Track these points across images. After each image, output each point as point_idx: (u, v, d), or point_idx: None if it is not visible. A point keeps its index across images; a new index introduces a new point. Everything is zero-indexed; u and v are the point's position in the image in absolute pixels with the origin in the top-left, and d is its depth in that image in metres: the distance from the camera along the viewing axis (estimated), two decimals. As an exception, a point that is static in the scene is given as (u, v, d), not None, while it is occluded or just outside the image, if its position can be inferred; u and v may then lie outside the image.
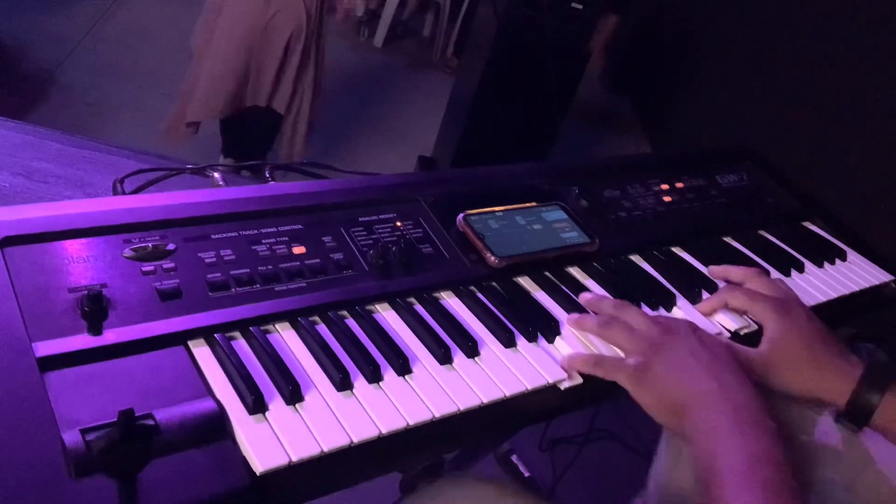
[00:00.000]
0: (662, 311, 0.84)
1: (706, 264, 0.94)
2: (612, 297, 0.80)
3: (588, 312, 0.80)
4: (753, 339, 0.82)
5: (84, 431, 0.51)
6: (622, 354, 0.74)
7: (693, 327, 0.75)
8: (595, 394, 0.74)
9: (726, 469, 0.61)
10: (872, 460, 0.78)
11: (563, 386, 0.71)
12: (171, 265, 0.68)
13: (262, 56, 2.48)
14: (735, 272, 0.90)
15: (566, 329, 0.77)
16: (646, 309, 0.83)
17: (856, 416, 0.77)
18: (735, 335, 0.84)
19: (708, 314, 0.85)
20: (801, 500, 0.59)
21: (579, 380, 0.72)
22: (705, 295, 0.88)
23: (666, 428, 0.69)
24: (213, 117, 2.61)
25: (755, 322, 0.85)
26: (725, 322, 0.84)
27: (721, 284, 0.90)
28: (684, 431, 0.67)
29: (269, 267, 0.71)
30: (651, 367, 0.70)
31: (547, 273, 0.85)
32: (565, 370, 0.72)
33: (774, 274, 0.97)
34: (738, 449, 0.61)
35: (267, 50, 2.48)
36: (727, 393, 0.66)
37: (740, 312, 0.85)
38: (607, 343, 0.76)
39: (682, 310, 0.85)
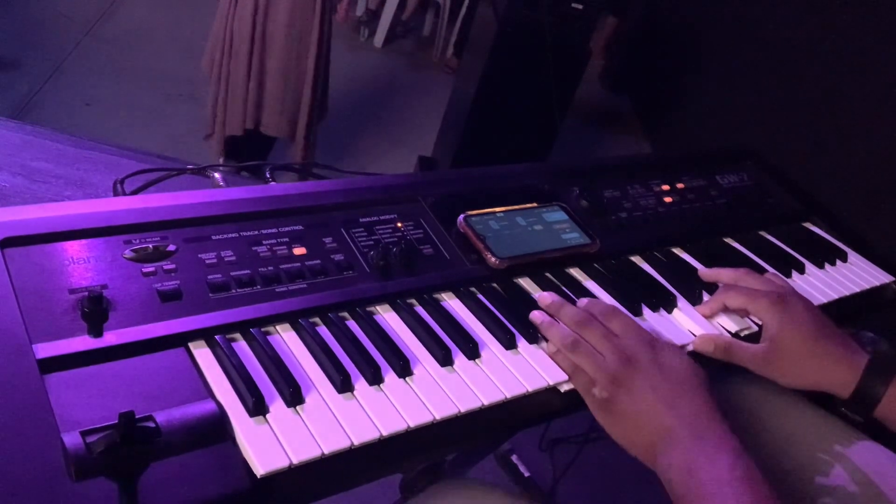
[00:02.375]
0: (663, 313, 0.84)
1: (707, 265, 0.94)
2: (573, 306, 0.76)
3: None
4: (755, 339, 0.82)
5: (84, 433, 0.50)
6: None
7: (654, 351, 0.71)
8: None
9: (705, 499, 0.60)
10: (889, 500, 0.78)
11: (564, 388, 0.71)
12: (172, 266, 0.68)
13: (267, 80, 2.53)
14: (726, 274, 0.89)
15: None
16: (646, 311, 0.83)
17: (860, 406, 0.77)
18: (736, 337, 0.84)
19: (709, 317, 0.85)
20: None
21: None
22: (706, 296, 0.88)
23: (636, 457, 0.68)
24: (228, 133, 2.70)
25: (755, 322, 0.85)
26: (726, 324, 0.84)
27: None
28: (655, 467, 0.66)
29: (270, 268, 0.71)
30: (616, 403, 0.68)
31: (548, 274, 0.85)
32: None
33: (775, 275, 0.97)
34: (715, 483, 0.61)
35: (272, 74, 2.52)
36: (691, 427, 0.65)
37: (740, 313, 0.85)
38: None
39: (682, 311, 0.85)
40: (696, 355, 0.80)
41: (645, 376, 0.69)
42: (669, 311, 0.85)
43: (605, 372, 0.69)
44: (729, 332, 0.84)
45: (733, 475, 0.61)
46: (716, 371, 0.79)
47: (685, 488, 0.62)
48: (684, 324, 0.84)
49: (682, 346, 0.79)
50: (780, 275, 0.95)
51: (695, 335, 0.82)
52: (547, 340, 0.74)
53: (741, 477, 0.61)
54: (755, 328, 0.85)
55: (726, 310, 0.85)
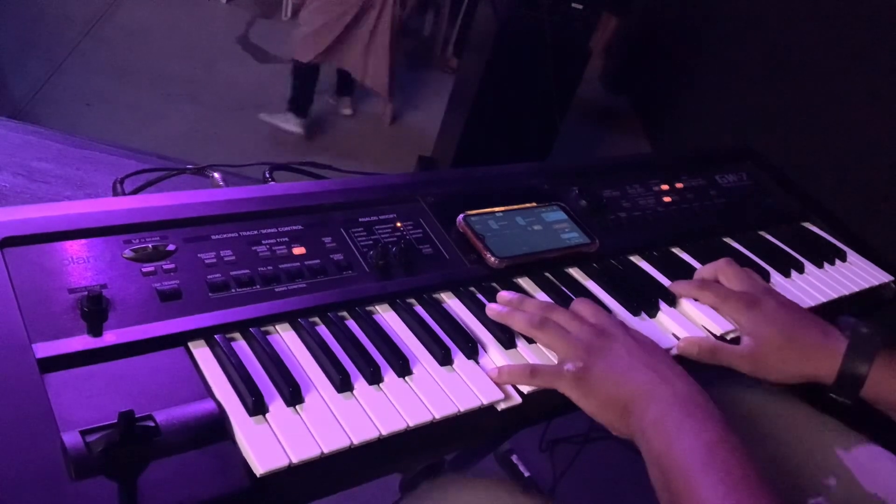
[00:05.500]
0: (662, 312, 0.84)
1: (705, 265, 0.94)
2: (535, 298, 0.77)
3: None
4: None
5: (84, 433, 0.51)
6: (553, 359, 0.72)
7: (625, 327, 0.73)
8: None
9: (685, 459, 0.59)
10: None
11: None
12: (171, 266, 0.68)
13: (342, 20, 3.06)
14: (705, 270, 0.89)
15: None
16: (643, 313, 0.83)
17: (846, 389, 0.78)
18: (721, 339, 0.83)
19: (680, 295, 0.86)
20: (766, 480, 0.58)
21: None
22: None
23: (611, 430, 0.68)
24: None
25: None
26: (711, 327, 0.84)
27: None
28: (632, 431, 0.65)
29: (269, 267, 0.71)
30: (591, 370, 0.68)
31: (547, 274, 0.85)
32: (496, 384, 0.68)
33: (774, 274, 0.97)
34: (693, 438, 0.60)
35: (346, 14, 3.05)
36: (670, 386, 0.65)
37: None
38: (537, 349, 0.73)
39: (683, 309, 0.85)
40: (683, 361, 0.79)
41: (620, 342, 0.70)
42: (670, 308, 0.85)
43: (578, 343, 0.70)
44: (714, 335, 0.83)
45: (717, 441, 0.60)
46: (710, 377, 0.79)
47: (664, 446, 0.61)
48: (686, 320, 0.84)
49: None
50: (784, 280, 0.95)
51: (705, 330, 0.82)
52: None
53: (726, 442, 0.60)
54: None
55: (699, 303, 0.86)
